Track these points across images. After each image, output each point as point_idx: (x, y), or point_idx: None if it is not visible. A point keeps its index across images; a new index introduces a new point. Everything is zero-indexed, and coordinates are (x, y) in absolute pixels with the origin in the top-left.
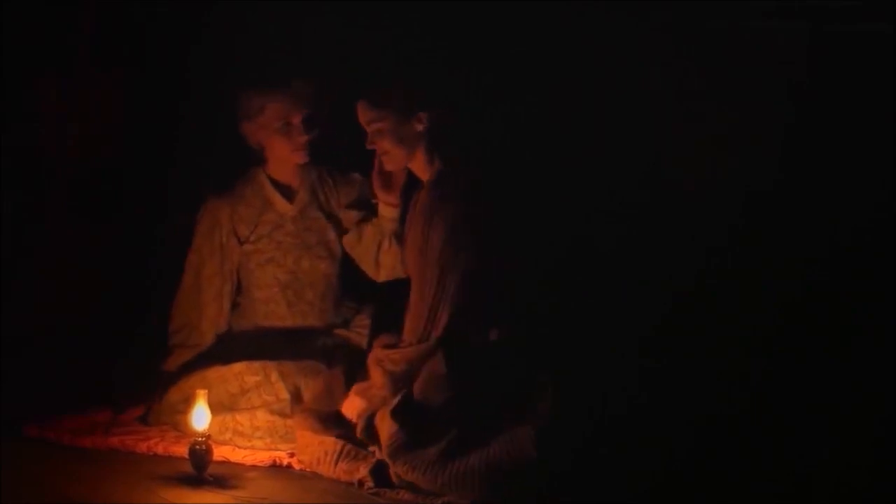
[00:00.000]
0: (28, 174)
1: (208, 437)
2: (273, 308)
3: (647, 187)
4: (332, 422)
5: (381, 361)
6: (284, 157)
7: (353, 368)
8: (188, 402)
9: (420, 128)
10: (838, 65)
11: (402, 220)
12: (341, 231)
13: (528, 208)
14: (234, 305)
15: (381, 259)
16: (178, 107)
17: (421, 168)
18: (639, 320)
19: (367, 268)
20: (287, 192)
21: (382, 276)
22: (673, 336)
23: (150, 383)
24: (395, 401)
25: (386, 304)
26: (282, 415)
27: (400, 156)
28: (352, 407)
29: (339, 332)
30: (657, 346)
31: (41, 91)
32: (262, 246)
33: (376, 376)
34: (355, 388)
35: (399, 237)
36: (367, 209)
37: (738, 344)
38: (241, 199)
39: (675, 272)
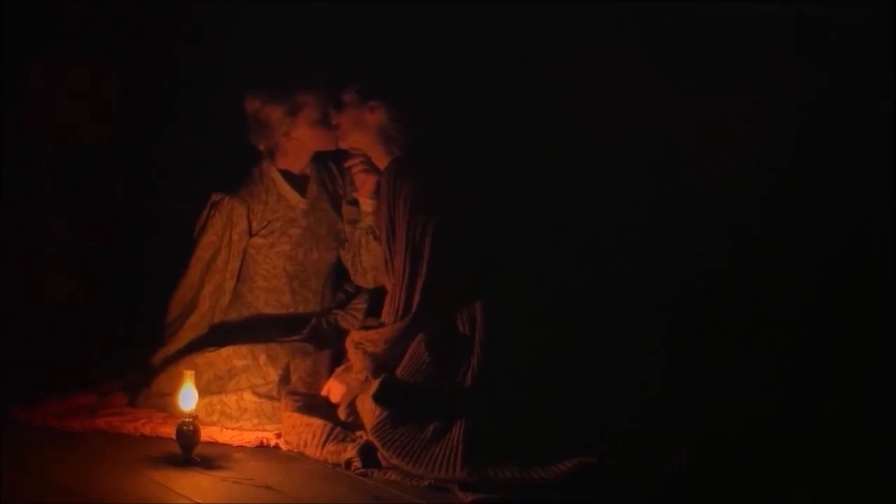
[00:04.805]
0: (16, 157)
1: (195, 417)
2: (277, 297)
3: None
4: (320, 404)
5: (360, 344)
6: (312, 147)
7: (341, 351)
8: (175, 384)
9: (372, 117)
10: (841, 64)
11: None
12: None
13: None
14: (233, 292)
15: (363, 260)
16: (172, 98)
17: (380, 159)
18: (636, 320)
19: (356, 275)
20: (298, 184)
21: (370, 281)
22: (681, 336)
23: (138, 371)
24: (377, 385)
25: (382, 288)
26: (269, 397)
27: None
28: (332, 391)
29: (336, 311)
30: (659, 346)
31: (33, 79)
32: (273, 240)
33: (355, 360)
34: (335, 372)
35: (376, 234)
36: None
37: (749, 344)
38: (256, 197)
39: (676, 272)
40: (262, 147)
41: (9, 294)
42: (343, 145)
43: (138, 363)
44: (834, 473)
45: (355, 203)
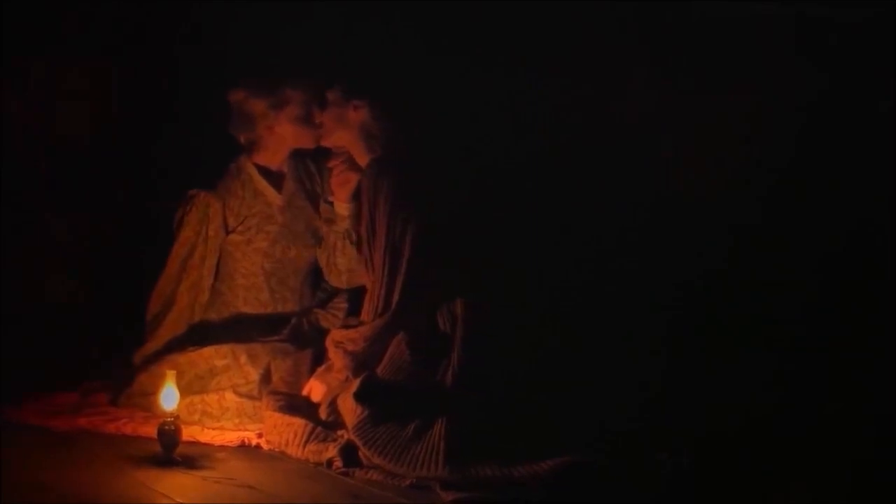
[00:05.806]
0: (16, 157)
1: (177, 417)
2: (255, 295)
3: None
4: (301, 404)
5: (340, 343)
6: (292, 143)
7: (321, 350)
8: (157, 384)
9: (355, 115)
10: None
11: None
12: None
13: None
14: (212, 291)
15: (338, 262)
16: (172, 98)
17: (361, 156)
18: (636, 320)
19: (330, 275)
20: (274, 181)
21: (345, 282)
22: (678, 337)
23: (120, 370)
24: (358, 384)
25: (362, 287)
26: (250, 397)
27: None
28: (313, 391)
29: (316, 310)
30: (659, 346)
31: (33, 79)
32: (251, 236)
33: (336, 359)
34: (316, 372)
35: (352, 238)
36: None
37: (749, 344)
38: (232, 193)
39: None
40: (242, 139)
41: (9, 294)
42: (326, 143)
43: (122, 363)
44: (834, 473)
45: (332, 203)
